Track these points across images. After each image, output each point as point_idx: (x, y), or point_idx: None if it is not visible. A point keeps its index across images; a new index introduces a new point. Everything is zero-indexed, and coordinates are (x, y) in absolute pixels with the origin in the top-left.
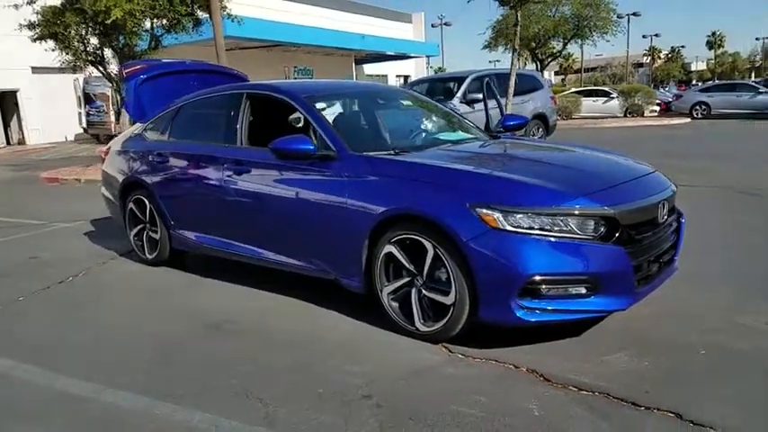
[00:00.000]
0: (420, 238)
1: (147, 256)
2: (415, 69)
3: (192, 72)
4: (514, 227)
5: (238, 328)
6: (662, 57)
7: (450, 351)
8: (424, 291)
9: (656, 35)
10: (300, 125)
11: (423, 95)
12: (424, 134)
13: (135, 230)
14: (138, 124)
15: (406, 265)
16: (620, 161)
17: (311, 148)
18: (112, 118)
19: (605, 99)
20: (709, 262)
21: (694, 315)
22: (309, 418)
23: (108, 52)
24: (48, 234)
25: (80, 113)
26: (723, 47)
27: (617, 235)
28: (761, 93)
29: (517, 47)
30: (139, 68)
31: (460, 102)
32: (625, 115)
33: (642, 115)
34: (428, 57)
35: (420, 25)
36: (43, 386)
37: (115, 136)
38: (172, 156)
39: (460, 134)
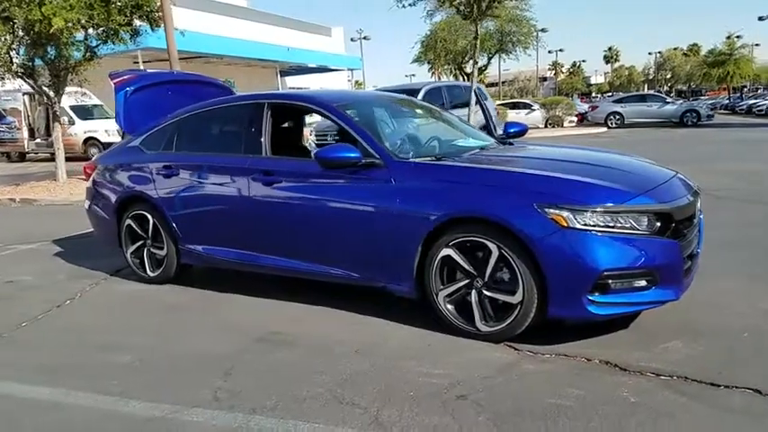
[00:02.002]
0: (483, 240)
1: (149, 274)
2: (336, 83)
3: (180, 83)
4: (583, 225)
5: (287, 339)
6: (564, 71)
7: (515, 349)
8: (485, 291)
9: (561, 50)
10: (320, 135)
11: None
12: (444, 141)
13: (133, 248)
14: (127, 137)
15: (466, 267)
16: (648, 163)
17: (357, 155)
18: (25, 134)
19: (528, 111)
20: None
21: (721, 303)
22: (418, 421)
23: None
24: (11, 257)
25: None
26: (619, 61)
27: (671, 230)
28: (668, 103)
29: (477, 60)
30: (128, 79)
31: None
32: (546, 126)
33: (562, 125)
34: (351, 70)
35: (340, 39)
36: (112, 412)
37: (27, 154)
38: (182, 168)
39: (478, 140)
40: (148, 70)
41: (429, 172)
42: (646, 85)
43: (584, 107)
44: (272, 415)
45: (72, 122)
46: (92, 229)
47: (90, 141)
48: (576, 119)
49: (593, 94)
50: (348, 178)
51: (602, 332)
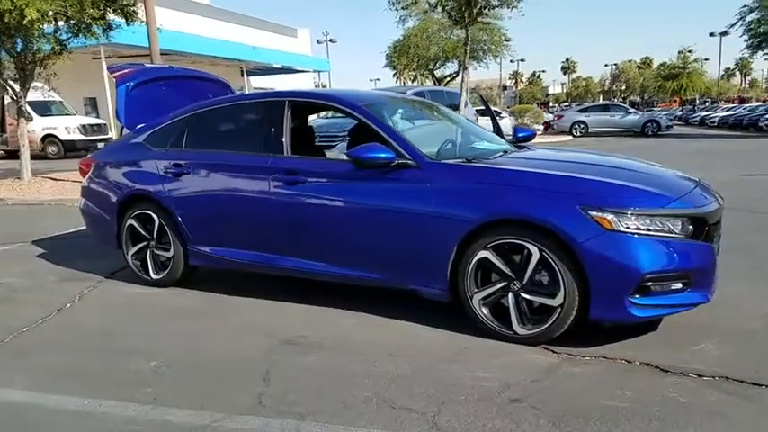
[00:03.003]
0: (524, 242)
1: (152, 276)
2: (301, 85)
3: (180, 78)
4: (626, 228)
5: (316, 342)
6: (524, 81)
7: (553, 351)
8: (523, 294)
9: (522, 60)
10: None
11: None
12: (462, 143)
13: (135, 249)
14: (127, 133)
15: (503, 269)
16: (670, 170)
17: (392, 156)
18: None
19: (498, 118)
20: None
21: (738, 305)
22: (479, 426)
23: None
24: None
25: None
26: (576, 72)
27: (705, 233)
28: (630, 113)
29: (467, 65)
30: (128, 72)
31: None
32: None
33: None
34: (319, 72)
35: (306, 40)
36: (150, 421)
37: None
38: (195, 166)
39: (495, 144)
40: (146, 64)
41: (466, 174)
42: (601, 96)
43: (549, 116)
44: (324, 420)
45: (30, 119)
46: (72, 230)
47: (48, 139)
48: (542, 127)
49: (551, 104)
50: (378, 179)
51: (632, 335)
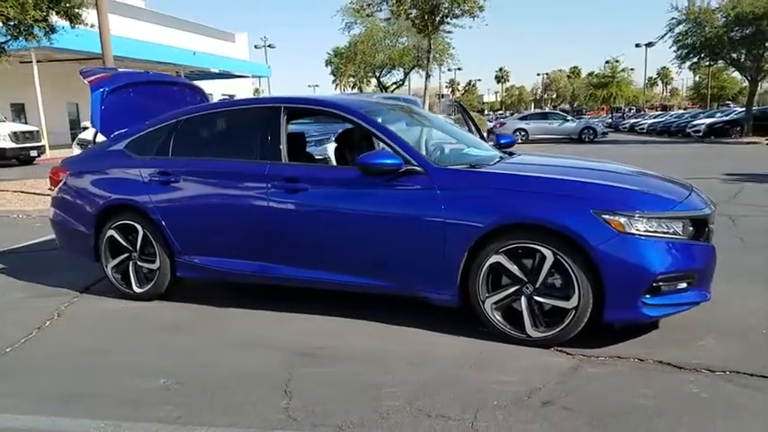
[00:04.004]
0: (538, 246)
1: (135, 289)
2: (240, 90)
3: (156, 84)
4: (637, 230)
5: (329, 352)
6: (460, 89)
7: (567, 353)
8: (536, 297)
9: (459, 69)
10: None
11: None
12: (453, 149)
13: (115, 261)
14: (103, 140)
15: (516, 273)
16: (660, 175)
17: (399, 162)
18: None
19: None
20: None
21: (729, 303)
22: (519, 429)
23: None
24: None
25: None
26: (509, 81)
27: (705, 235)
28: (568, 120)
29: (430, 72)
30: (102, 77)
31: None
32: None
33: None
34: (259, 77)
35: (244, 45)
36: None
37: None
38: (184, 174)
39: (484, 150)
40: (120, 69)
41: (475, 179)
42: (533, 104)
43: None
44: (367, 429)
45: None
46: (26, 243)
47: None
48: (486, 134)
49: (486, 112)
50: (385, 186)
51: (636, 334)
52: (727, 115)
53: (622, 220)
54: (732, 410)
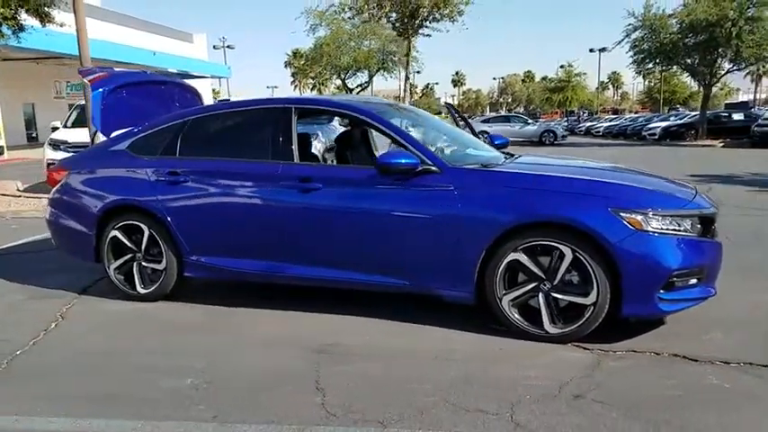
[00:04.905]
0: (556, 244)
1: (139, 290)
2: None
3: (155, 84)
4: (653, 228)
5: (351, 350)
6: (418, 92)
7: (584, 348)
8: (554, 294)
9: (419, 72)
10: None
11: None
12: (456, 150)
13: (119, 262)
14: (103, 140)
15: (535, 270)
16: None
17: (416, 162)
18: None
19: None
20: None
21: (728, 298)
22: (558, 422)
23: None
24: None
25: None
26: (465, 84)
27: (712, 232)
28: (528, 124)
29: (409, 75)
30: (102, 76)
31: (339, 124)
32: None
33: None
34: (219, 78)
35: (202, 46)
36: None
37: None
38: (193, 174)
39: (487, 151)
40: (116, 69)
41: (492, 178)
42: (488, 108)
43: None
44: (406, 426)
45: None
46: (12, 243)
47: None
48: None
49: (444, 115)
50: (400, 184)
51: (646, 329)
52: (681, 119)
53: (640, 217)
54: (754, 399)
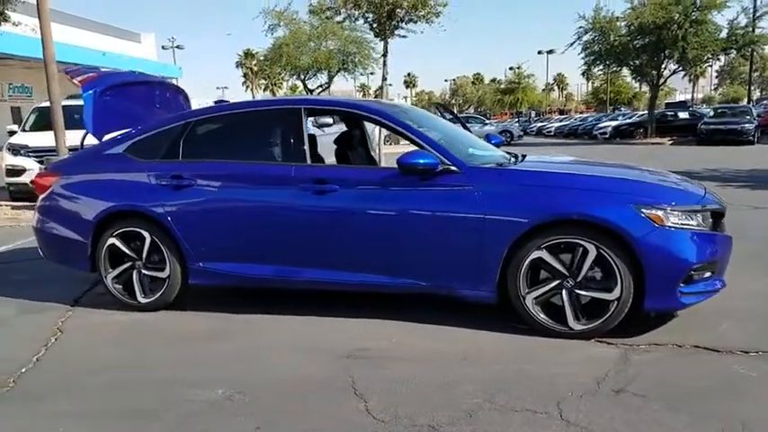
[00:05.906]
0: (580, 241)
1: (140, 300)
2: None
3: (142, 85)
4: (673, 223)
5: (380, 354)
6: (371, 93)
7: (608, 343)
8: (577, 291)
9: (372, 73)
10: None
11: None
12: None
13: (117, 271)
14: (95, 143)
15: (558, 267)
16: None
17: (435, 162)
18: None
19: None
20: None
21: (738, 289)
22: (610, 417)
23: None
24: None
25: None
26: (417, 86)
27: (722, 227)
28: (486, 124)
29: (387, 76)
30: (92, 77)
31: (313, 125)
32: (384, 143)
33: (398, 142)
34: (170, 79)
35: (151, 46)
36: None
37: None
38: (200, 177)
39: (490, 150)
40: (103, 69)
41: (513, 177)
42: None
43: None
44: (462, 428)
45: None
46: None
47: None
48: None
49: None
50: (419, 185)
51: (660, 323)
52: (630, 118)
53: (660, 213)
54: None
